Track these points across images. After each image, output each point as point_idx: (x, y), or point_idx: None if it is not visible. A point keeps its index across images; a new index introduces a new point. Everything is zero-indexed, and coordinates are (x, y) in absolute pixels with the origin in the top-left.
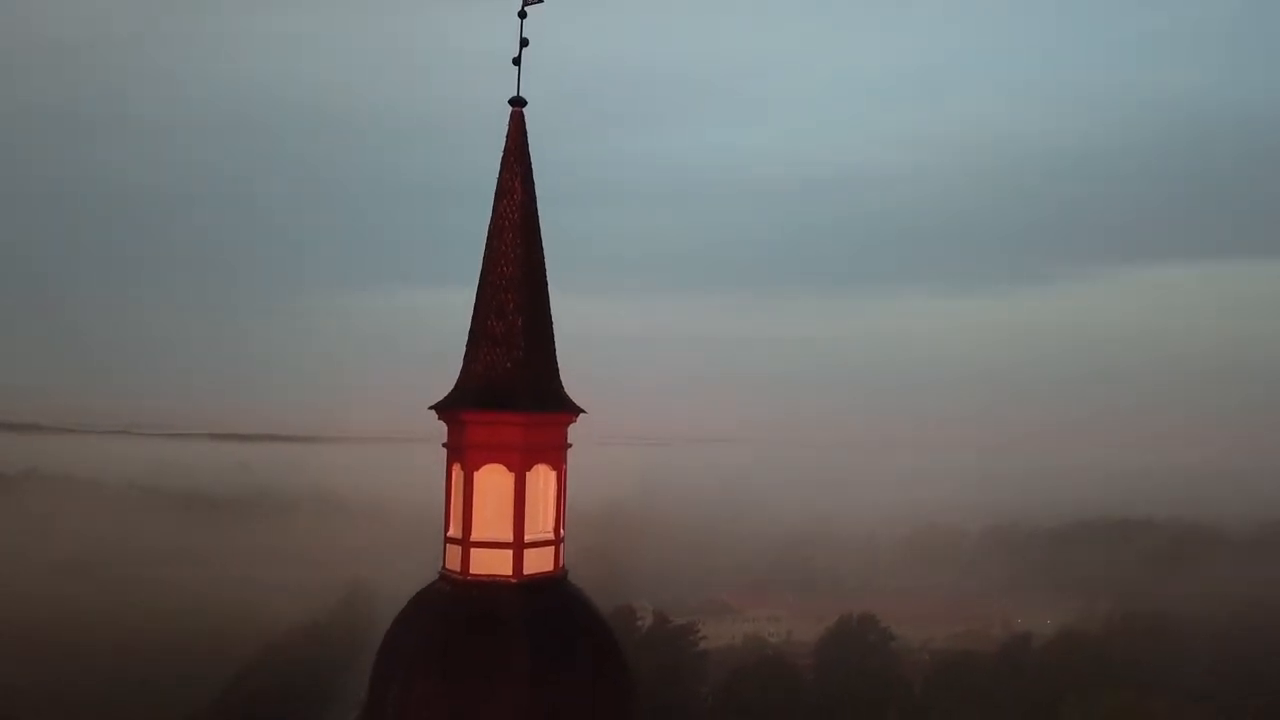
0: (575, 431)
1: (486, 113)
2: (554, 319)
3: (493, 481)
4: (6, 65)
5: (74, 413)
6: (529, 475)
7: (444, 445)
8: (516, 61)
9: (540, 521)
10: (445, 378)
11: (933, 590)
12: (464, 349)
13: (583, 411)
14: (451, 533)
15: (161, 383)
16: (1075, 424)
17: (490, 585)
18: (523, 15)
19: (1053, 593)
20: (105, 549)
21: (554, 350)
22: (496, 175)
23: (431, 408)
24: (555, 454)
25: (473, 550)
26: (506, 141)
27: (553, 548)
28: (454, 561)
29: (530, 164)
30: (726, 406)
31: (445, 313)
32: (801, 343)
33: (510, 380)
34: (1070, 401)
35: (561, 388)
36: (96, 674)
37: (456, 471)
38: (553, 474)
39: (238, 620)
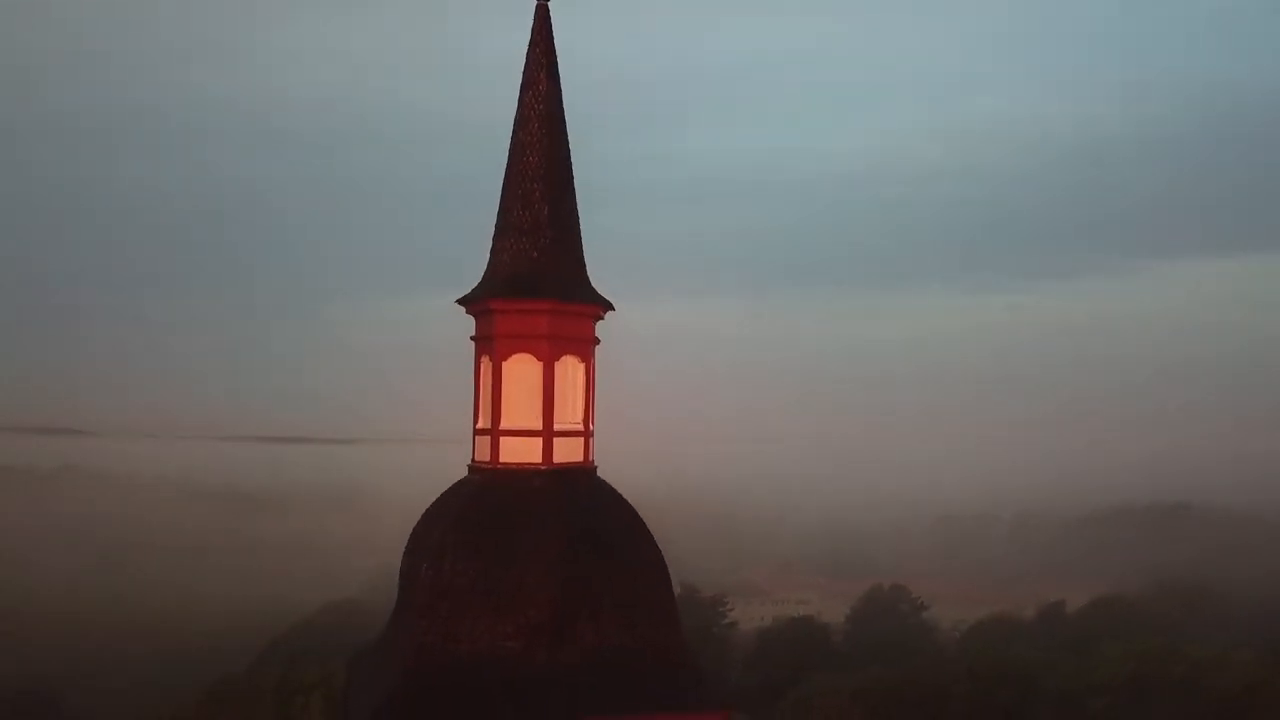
0: (601, 426)
1: (508, 115)
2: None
3: (521, 371)
4: (30, 76)
5: (110, 418)
6: (557, 366)
7: (471, 339)
8: None
9: (570, 413)
10: (464, 379)
11: (964, 573)
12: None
13: (611, 308)
14: (480, 425)
15: (196, 389)
16: (1113, 414)
17: (520, 473)
18: None
19: (1088, 575)
20: (141, 540)
21: (580, 242)
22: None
23: (459, 301)
24: (583, 347)
25: (502, 439)
26: (531, 35)
27: (582, 440)
28: (483, 453)
29: (555, 57)
30: (755, 403)
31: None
32: (834, 340)
33: (537, 269)
34: (1108, 393)
35: (588, 280)
36: (132, 653)
37: (485, 363)
38: (581, 367)
39: (271, 601)
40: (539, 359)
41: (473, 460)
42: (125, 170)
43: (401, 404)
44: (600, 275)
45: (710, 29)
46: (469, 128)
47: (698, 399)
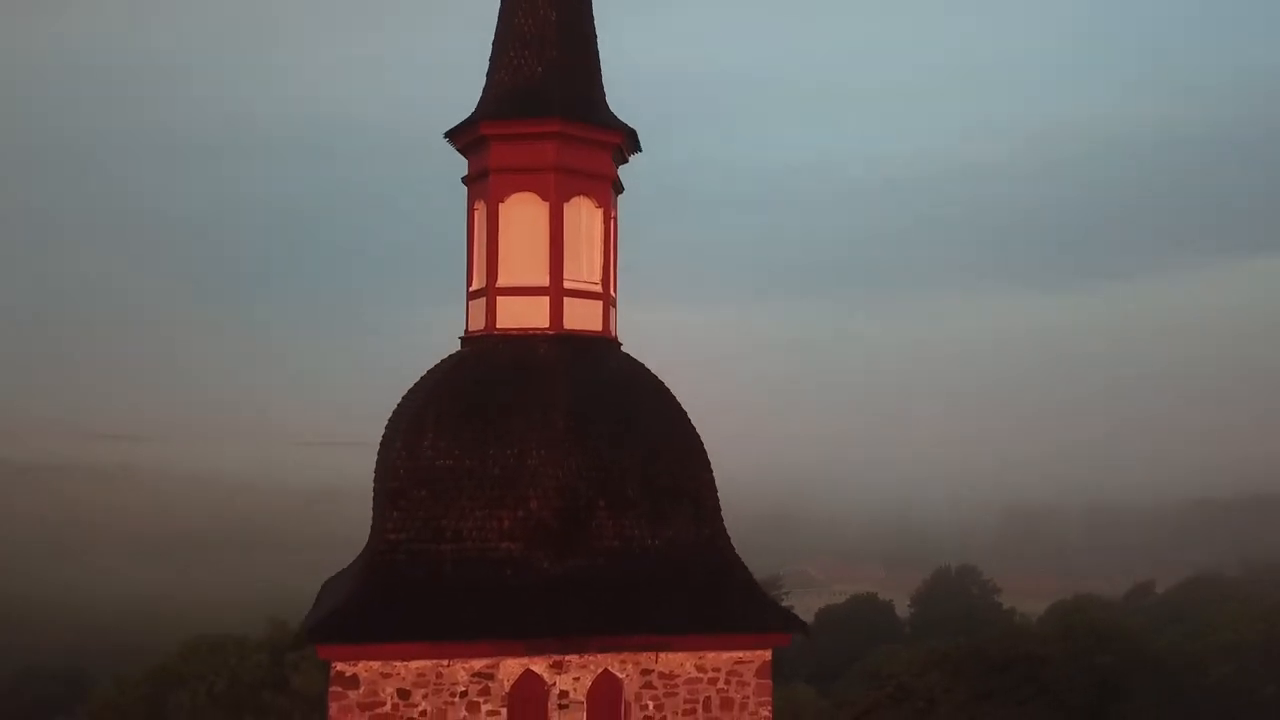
0: None
1: None
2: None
3: (522, 215)
4: (68, 96)
5: (167, 423)
6: (567, 208)
7: (463, 181)
8: None
9: (584, 269)
10: None
11: (1036, 564)
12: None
13: (638, 147)
14: (474, 286)
15: (248, 395)
16: (1185, 410)
17: (522, 339)
18: None
19: (1173, 564)
20: (193, 536)
21: (598, 58)
22: None
23: (447, 134)
24: (600, 187)
25: (499, 299)
26: None
27: (601, 305)
28: (477, 320)
29: None
30: (808, 405)
31: None
32: (892, 340)
33: (542, 84)
34: (1178, 390)
35: (606, 104)
36: (163, 641)
37: (479, 209)
38: (598, 213)
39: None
40: (544, 199)
41: (466, 331)
42: (168, 180)
43: None
44: (648, 282)
45: (754, 31)
46: None
47: (748, 400)
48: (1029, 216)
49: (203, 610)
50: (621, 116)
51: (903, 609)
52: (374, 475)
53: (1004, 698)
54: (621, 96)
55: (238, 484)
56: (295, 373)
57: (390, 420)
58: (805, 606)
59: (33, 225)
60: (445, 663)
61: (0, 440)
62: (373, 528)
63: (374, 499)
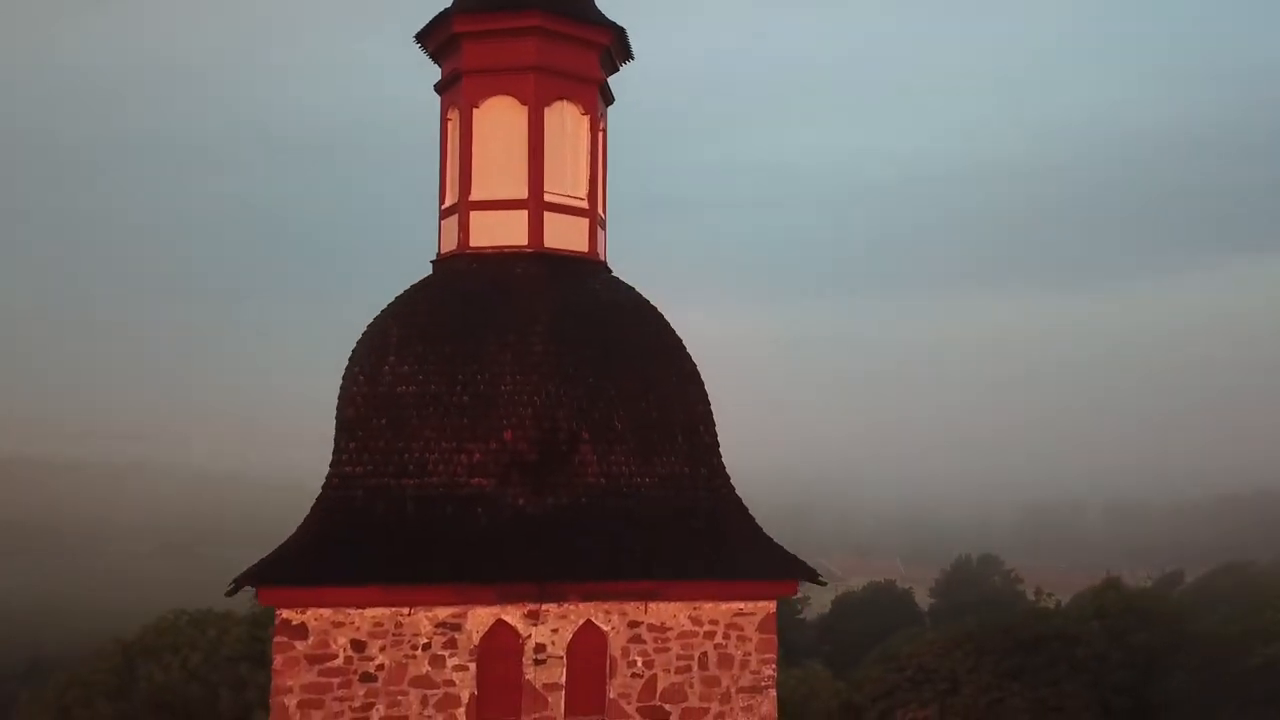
0: None
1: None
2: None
3: (499, 121)
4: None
5: (180, 423)
6: (548, 113)
7: (436, 90)
8: None
9: (568, 182)
10: None
11: (1058, 558)
12: None
13: (629, 55)
14: (446, 203)
15: (257, 397)
16: (1207, 407)
17: (497, 257)
18: None
19: (1199, 557)
20: (200, 530)
21: None
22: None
23: (417, 36)
24: (586, 91)
25: (473, 215)
26: None
27: (587, 222)
28: (450, 240)
29: None
30: (822, 399)
31: None
32: (911, 340)
33: None
34: (1201, 387)
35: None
36: None
37: (452, 117)
38: (584, 120)
39: None
40: (523, 102)
41: (438, 253)
42: (175, 181)
43: None
44: (670, 282)
45: (769, 30)
46: None
47: (763, 396)
48: (1046, 215)
49: (210, 605)
50: (631, 115)
51: (923, 602)
52: (336, 409)
53: (1033, 677)
54: (634, 96)
55: (250, 483)
56: (307, 372)
57: (351, 356)
58: (822, 599)
59: (45, 226)
60: (406, 611)
61: (15, 439)
62: (331, 464)
63: (335, 434)
